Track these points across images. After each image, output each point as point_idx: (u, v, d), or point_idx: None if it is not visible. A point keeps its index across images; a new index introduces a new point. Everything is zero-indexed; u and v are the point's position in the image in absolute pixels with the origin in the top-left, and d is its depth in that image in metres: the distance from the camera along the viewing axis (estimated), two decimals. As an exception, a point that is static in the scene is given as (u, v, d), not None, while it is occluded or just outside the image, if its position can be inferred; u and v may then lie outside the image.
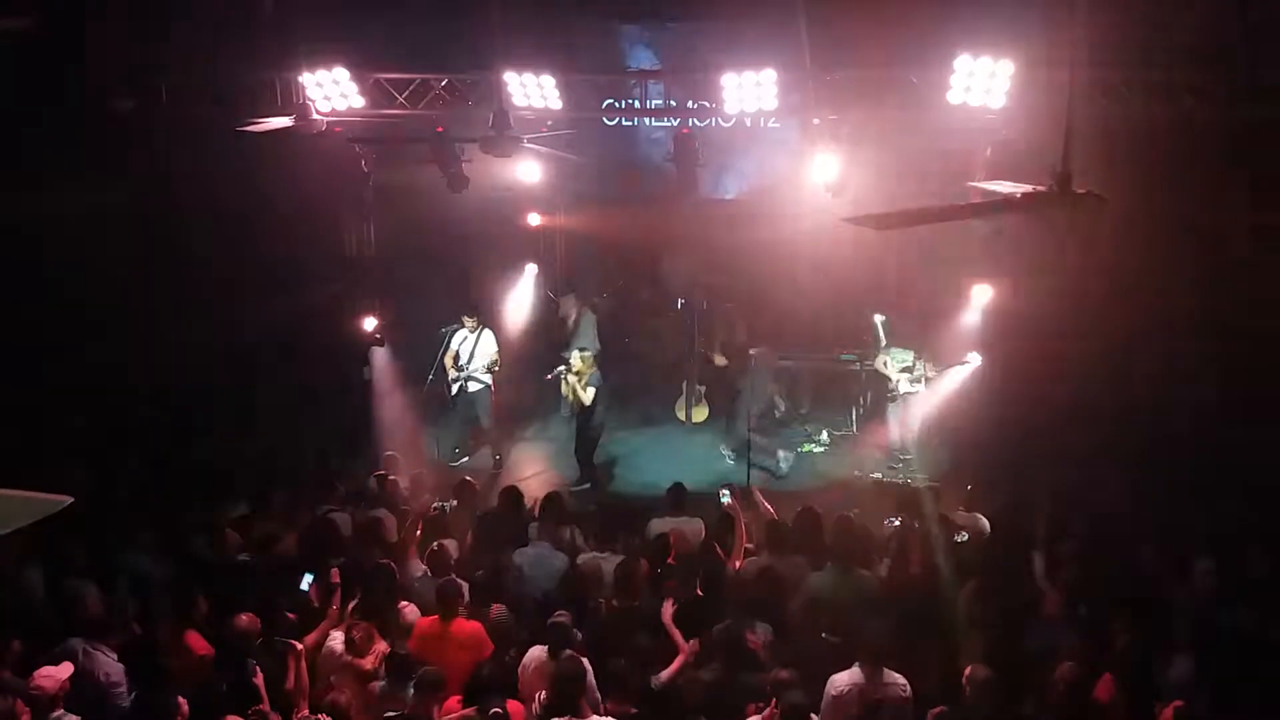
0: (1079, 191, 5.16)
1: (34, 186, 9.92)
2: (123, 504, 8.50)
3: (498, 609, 6.80)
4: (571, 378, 10.68)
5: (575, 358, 10.70)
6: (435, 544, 7.40)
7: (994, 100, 8.51)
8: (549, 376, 11.17)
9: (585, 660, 5.90)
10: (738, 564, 7.40)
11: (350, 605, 6.70)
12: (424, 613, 6.98)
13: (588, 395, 10.56)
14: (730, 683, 6.01)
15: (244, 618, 6.21)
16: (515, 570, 7.42)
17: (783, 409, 12.42)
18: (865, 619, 6.32)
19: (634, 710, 5.74)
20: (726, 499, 8.24)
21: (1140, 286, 9.88)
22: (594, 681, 5.85)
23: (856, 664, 5.94)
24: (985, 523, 8.24)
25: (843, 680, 5.89)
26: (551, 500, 8.23)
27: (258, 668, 5.88)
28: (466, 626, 6.50)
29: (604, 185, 12.47)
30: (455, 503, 8.77)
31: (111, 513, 8.08)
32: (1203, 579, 7.01)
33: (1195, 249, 8.62)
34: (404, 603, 6.90)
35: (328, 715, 5.60)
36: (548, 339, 12.51)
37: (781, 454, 11.17)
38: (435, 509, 8.15)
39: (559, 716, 5.60)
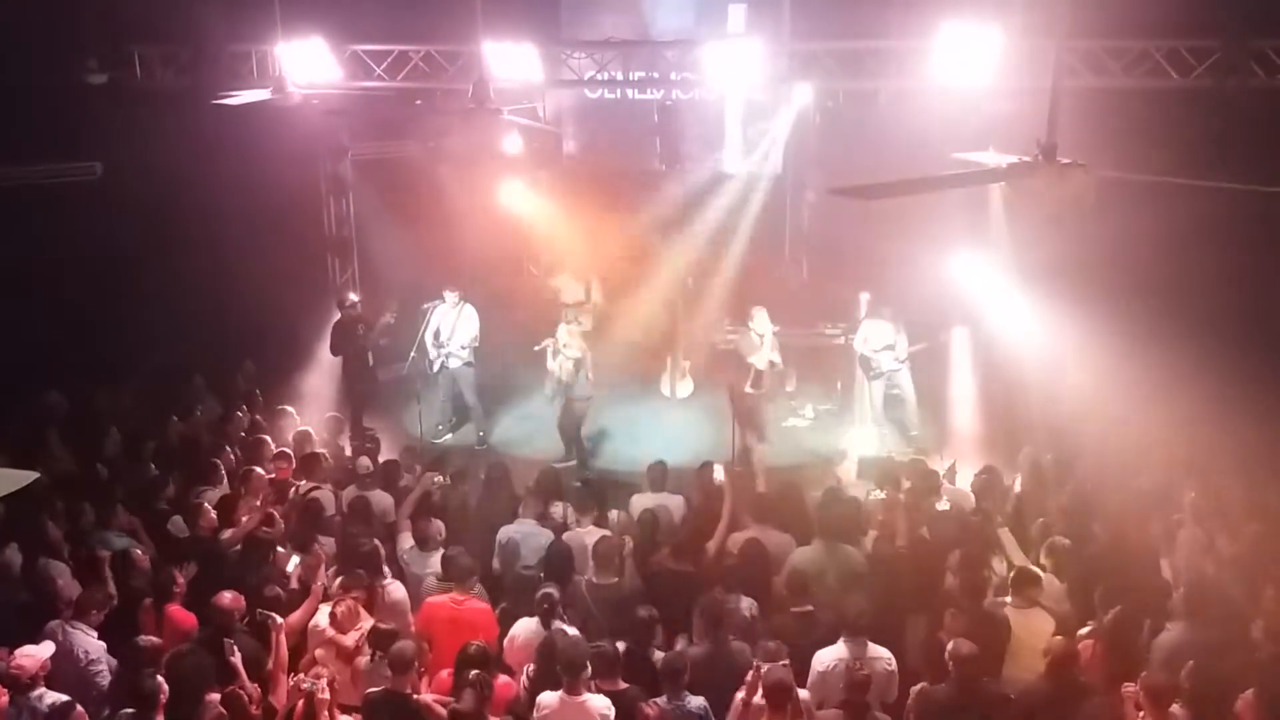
0: (1064, 162, 5.13)
1: (7, 157, 9.79)
2: (102, 482, 8.42)
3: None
4: (563, 351, 10.60)
5: (562, 331, 10.63)
6: (423, 519, 7.41)
7: (978, 71, 8.45)
8: (537, 349, 11.12)
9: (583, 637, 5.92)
10: (716, 540, 7.39)
11: (336, 581, 6.68)
12: (408, 584, 6.97)
13: (573, 366, 10.48)
14: (717, 655, 6.03)
15: (227, 596, 6.17)
16: (500, 546, 7.42)
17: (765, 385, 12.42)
18: (846, 593, 6.35)
19: (624, 686, 5.74)
20: (720, 475, 8.25)
21: (1123, 257, 9.88)
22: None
23: (841, 639, 5.98)
24: (969, 495, 8.25)
25: (828, 655, 5.96)
26: (544, 477, 8.22)
27: (235, 646, 5.85)
28: (477, 607, 6.55)
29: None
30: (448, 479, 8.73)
31: (90, 491, 8.00)
32: (1188, 550, 7.05)
33: (1180, 218, 8.60)
34: (388, 581, 6.89)
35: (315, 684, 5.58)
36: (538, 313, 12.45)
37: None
38: (435, 485, 8.14)
39: (548, 690, 5.62)
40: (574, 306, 11.94)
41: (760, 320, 10.45)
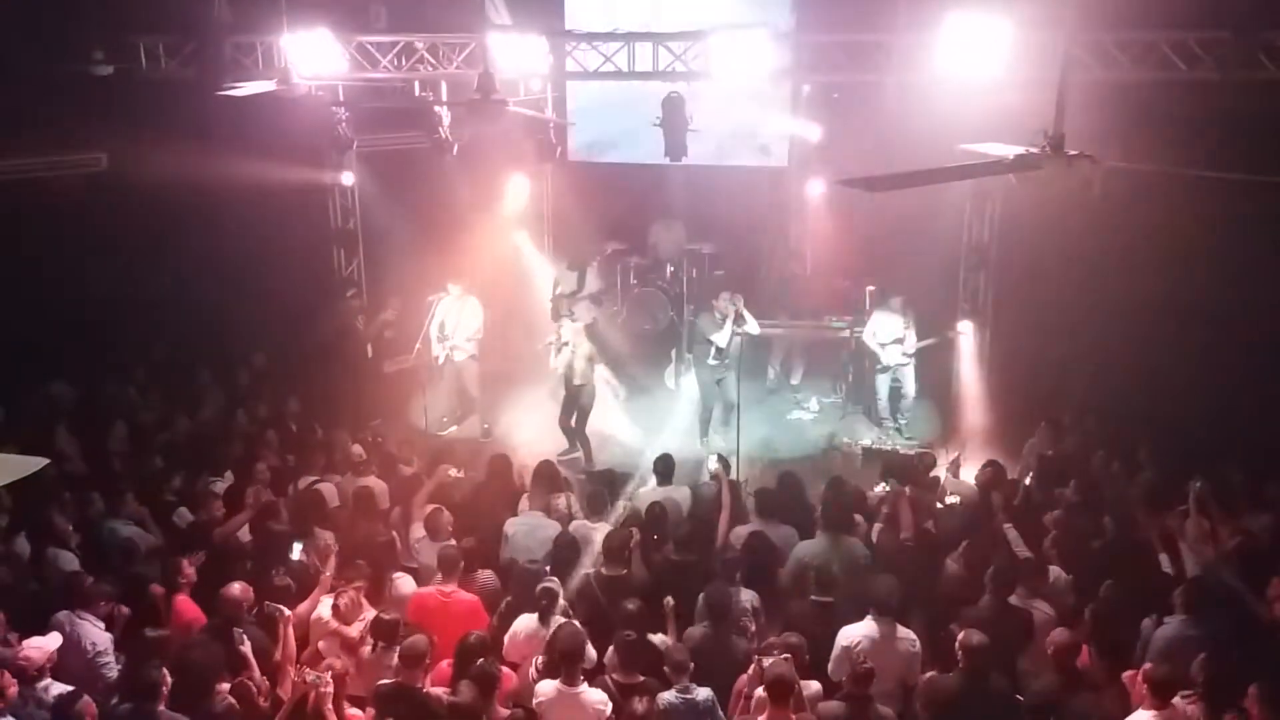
0: (1071, 154, 5.11)
1: (12, 149, 9.78)
2: (110, 473, 8.43)
3: (485, 574, 6.82)
4: (565, 349, 10.60)
5: (567, 327, 10.63)
6: (432, 508, 7.43)
7: (986, 62, 8.41)
8: (541, 347, 11.12)
9: (581, 628, 5.92)
10: (721, 531, 7.39)
11: (342, 571, 6.68)
12: (420, 575, 6.98)
13: (580, 364, 10.48)
14: (719, 645, 6.03)
15: (236, 586, 6.18)
16: (507, 538, 7.43)
17: (772, 377, 12.42)
18: (871, 577, 6.39)
19: (641, 678, 5.75)
20: (714, 466, 8.24)
21: (1133, 250, 9.85)
22: (592, 650, 5.88)
23: (870, 616, 6.01)
24: (973, 488, 8.25)
25: (856, 631, 5.99)
26: (544, 468, 8.22)
27: (245, 636, 5.85)
28: (465, 599, 6.54)
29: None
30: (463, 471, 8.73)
31: (99, 481, 8.02)
32: (1191, 540, 7.04)
33: (1187, 211, 8.57)
34: (398, 574, 6.90)
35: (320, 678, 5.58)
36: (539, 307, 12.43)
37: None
38: (449, 476, 8.14)
39: (553, 681, 5.63)
40: (569, 297, 11.92)
41: (724, 302, 10.71)
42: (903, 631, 6.03)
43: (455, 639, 6.03)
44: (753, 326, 10.71)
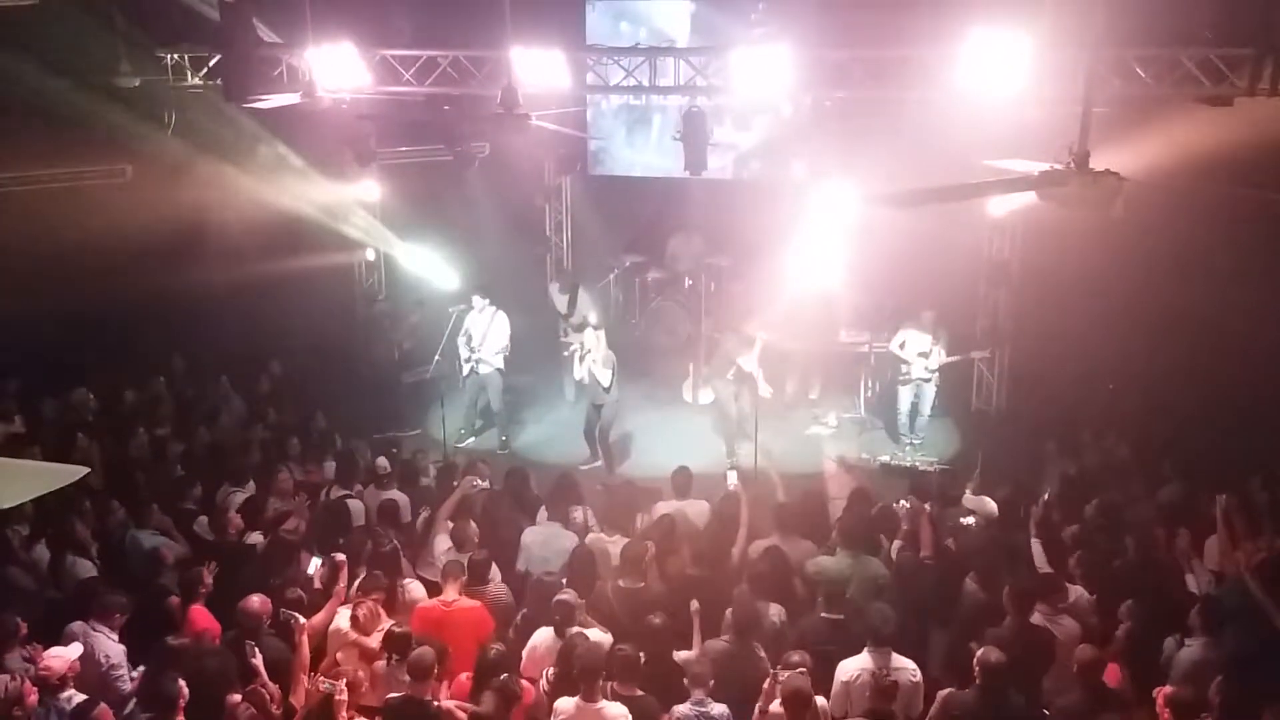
0: (1096, 170, 5.10)
1: (39, 160, 9.91)
2: (131, 483, 8.48)
3: (495, 587, 6.81)
4: (588, 357, 10.61)
5: (590, 335, 10.64)
6: (459, 521, 7.44)
7: (1009, 78, 8.38)
8: (567, 354, 11.13)
9: (600, 642, 5.90)
10: (738, 546, 7.35)
11: (356, 583, 6.69)
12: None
13: (604, 375, 10.48)
14: (738, 657, 6.00)
15: (255, 599, 6.19)
16: (525, 549, 7.43)
17: (790, 392, 12.38)
18: (869, 601, 6.32)
19: (639, 692, 5.72)
20: (733, 482, 8.21)
21: (1155, 266, 9.79)
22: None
23: (865, 649, 5.93)
24: (993, 506, 8.18)
25: (852, 666, 5.90)
26: (564, 480, 8.22)
27: (257, 649, 5.86)
28: (468, 606, 6.53)
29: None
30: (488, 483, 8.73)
31: (119, 492, 8.06)
32: (1216, 560, 6.97)
33: (1208, 228, 8.52)
34: (408, 579, 6.89)
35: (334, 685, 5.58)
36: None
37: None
38: (474, 488, 8.15)
39: (568, 695, 5.61)
40: (564, 319, 11.93)
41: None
42: (900, 661, 5.92)
43: (463, 648, 6.06)
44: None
